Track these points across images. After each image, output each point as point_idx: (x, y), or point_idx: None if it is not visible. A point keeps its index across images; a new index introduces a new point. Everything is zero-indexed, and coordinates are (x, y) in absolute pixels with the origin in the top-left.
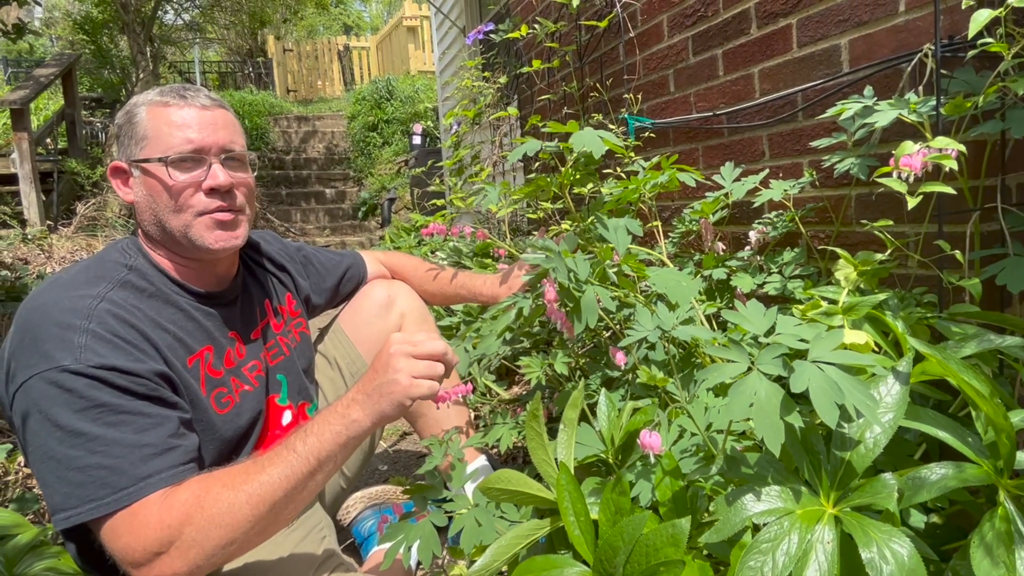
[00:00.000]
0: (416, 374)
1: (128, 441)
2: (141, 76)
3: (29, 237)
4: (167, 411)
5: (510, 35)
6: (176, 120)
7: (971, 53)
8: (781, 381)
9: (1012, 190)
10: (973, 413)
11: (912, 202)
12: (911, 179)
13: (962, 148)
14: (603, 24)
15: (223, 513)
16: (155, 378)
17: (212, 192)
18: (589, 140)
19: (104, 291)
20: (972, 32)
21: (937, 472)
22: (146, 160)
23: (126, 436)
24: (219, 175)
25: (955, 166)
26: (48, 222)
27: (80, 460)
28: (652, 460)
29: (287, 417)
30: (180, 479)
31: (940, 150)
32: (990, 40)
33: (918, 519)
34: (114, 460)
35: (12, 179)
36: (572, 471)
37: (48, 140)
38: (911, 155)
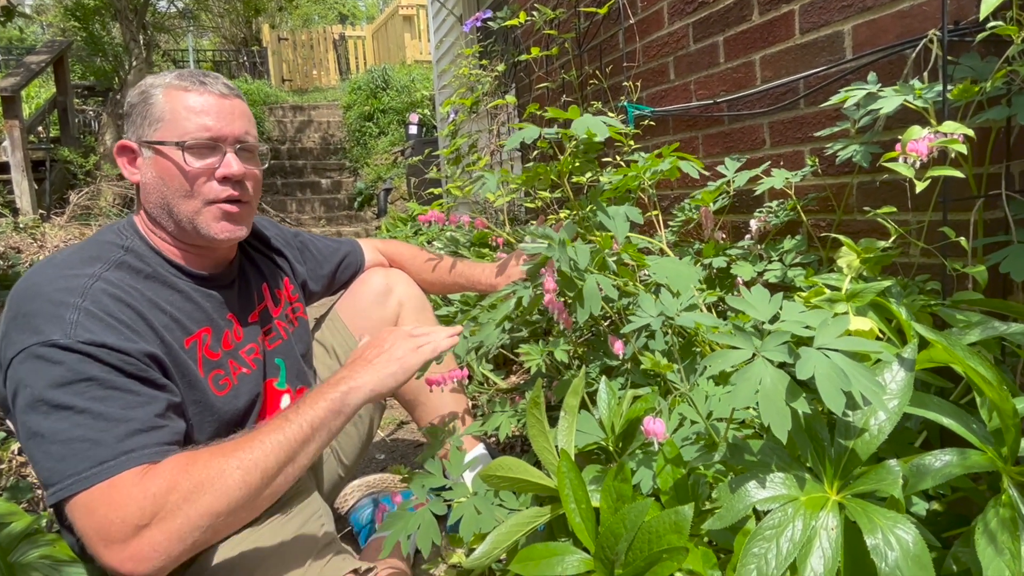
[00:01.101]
0: (418, 344)
1: (113, 416)
2: (134, 64)
3: (21, 226)
4: (156, 392)
5: (508, 22)
6: (194, 106)
7: (981, 36)
8: (785, 368)
9: (1016, 177)
10: (978, 400)
11: (920, 187)
12: (917, 164)
13: (970, 132)
14: (602, 11)
15: (212, 478)
16: (145, 359)
17: (224, 181)
18: (592, 124)
19: (100, 271)
20: (984, 12)
21: (941, 459)
22: (161, 142)
23: (112, 411)
24: (233, 165)
25: (963, 150)
26: (41, 211)
27: (63, 434)
28: (655, 447)
29: (285, 401)
30: (163, 456)
31: (947, 135)
32: (999, 23)
33: (920, 507)
34: (97, 434)
35: (3, 167)
36: (573, 458)
37: (40, 128)
38: (918, 140)
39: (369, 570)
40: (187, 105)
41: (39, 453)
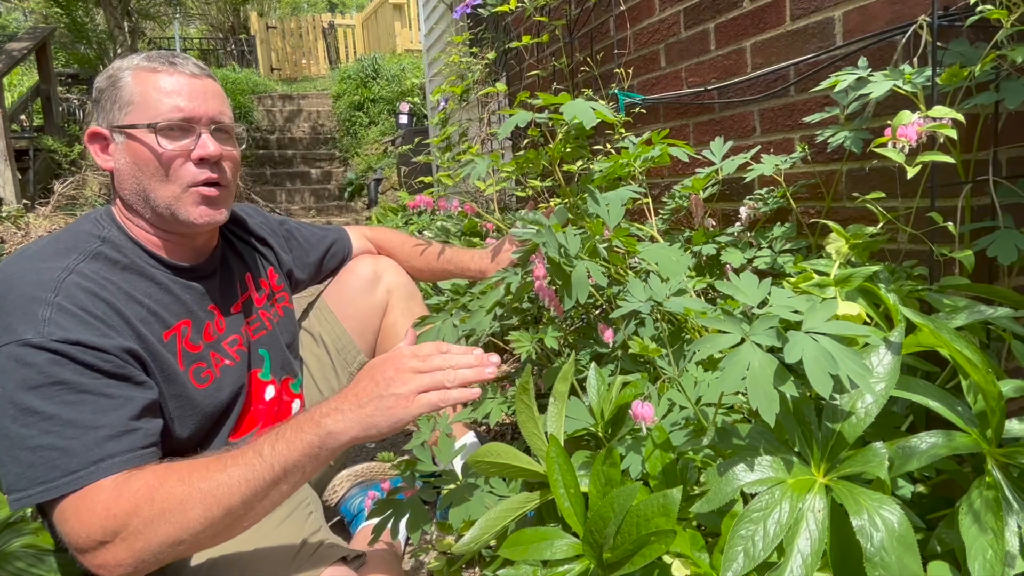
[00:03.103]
0: (418, 388)
1: (84, 422)
2: (119, 52)
3: (4, 216)
4: (132, 391)
5: (498, 9)
6: (165, 87)
7: (970, 20)
8: (773, 352)
9: (1003, 163)
10: (964, 383)
11: (910, 172)
12: (906, 150)
13: (960, 117)
14: None
15: (172, 509)
16: (123, 355)
17: (201, 162)
18: (580, 110)
19: (74, 263)
20: None
21: (927, 441)
22: (132, 126)
23: (83, 416)
24: (209, 145)
25: (954, 134)
26: (25, 201)
27: (31, 440)
28: (644, 432)
29: (270, 392)
30: (138, 464)
31: (936, 120)
32: (989, 7)
33: (906, 489)
34: (67, 441)
35: None
36: (562, 444)
37: (23, 117)
38: (907, 125)
39: (358, 556)
40: (158, 86)
41: (7, 456)
